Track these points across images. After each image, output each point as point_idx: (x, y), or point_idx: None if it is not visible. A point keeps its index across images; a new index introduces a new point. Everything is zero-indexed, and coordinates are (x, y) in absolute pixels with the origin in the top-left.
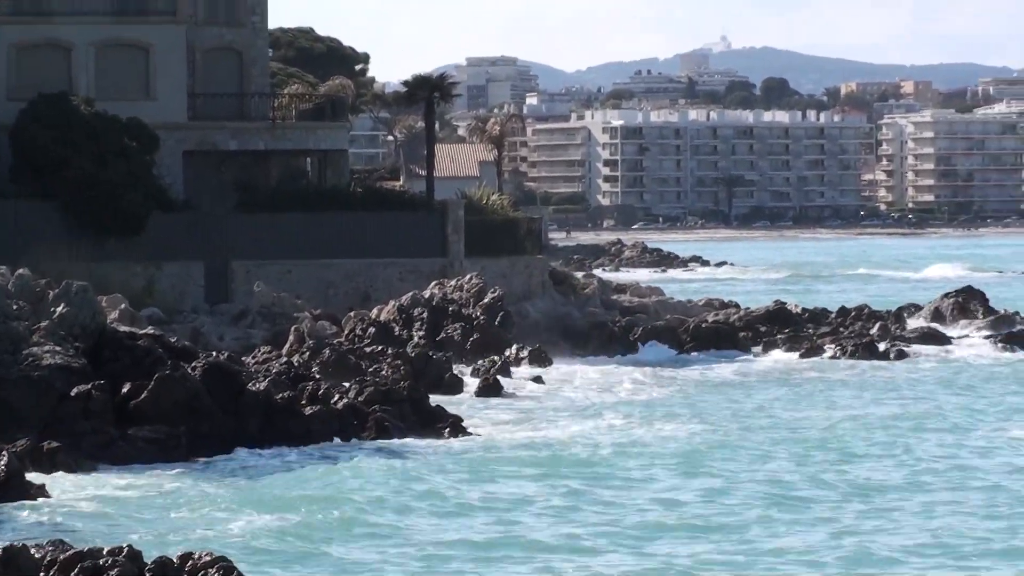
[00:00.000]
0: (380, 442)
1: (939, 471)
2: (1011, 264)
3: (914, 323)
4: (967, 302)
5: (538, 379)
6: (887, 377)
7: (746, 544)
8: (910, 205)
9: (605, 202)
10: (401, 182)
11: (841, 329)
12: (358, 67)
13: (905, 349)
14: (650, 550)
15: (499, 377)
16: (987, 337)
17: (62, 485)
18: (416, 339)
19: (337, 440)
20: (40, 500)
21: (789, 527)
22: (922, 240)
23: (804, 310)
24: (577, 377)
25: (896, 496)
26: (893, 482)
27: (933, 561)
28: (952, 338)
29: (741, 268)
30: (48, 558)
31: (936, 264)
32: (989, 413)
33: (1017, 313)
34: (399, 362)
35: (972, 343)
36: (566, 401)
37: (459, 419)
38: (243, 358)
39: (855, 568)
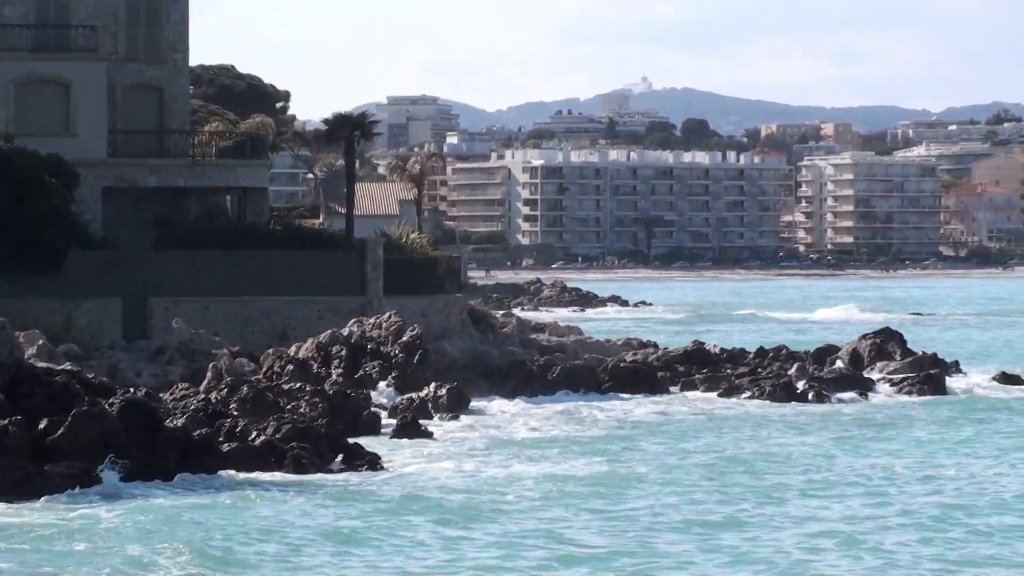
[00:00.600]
0: (295, 477)
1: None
2: (922, 306)
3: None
4: (885, 343)
5: (455, 417)
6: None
7: None
8: (829, 247)
9: (524, 241)
10: (321, 220)
11: (759, 370)
12: (279, 105)
13: (824, 392)
14: None
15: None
16: (903, 379)
17: None
18: (334, 377)
19: (257, 473)
20: None
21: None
22: (840, 281)
23: (722, 350)
24: (495, 416)
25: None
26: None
27: None
28: (869, 380)
29: (653, 308)
30: None
31: (825, 308)
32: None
33: (935, 355)
34: (317, 399)
35: (887, 384)
36: (483, 440)
37: (376, 456)
38: (161, 395)
39: None
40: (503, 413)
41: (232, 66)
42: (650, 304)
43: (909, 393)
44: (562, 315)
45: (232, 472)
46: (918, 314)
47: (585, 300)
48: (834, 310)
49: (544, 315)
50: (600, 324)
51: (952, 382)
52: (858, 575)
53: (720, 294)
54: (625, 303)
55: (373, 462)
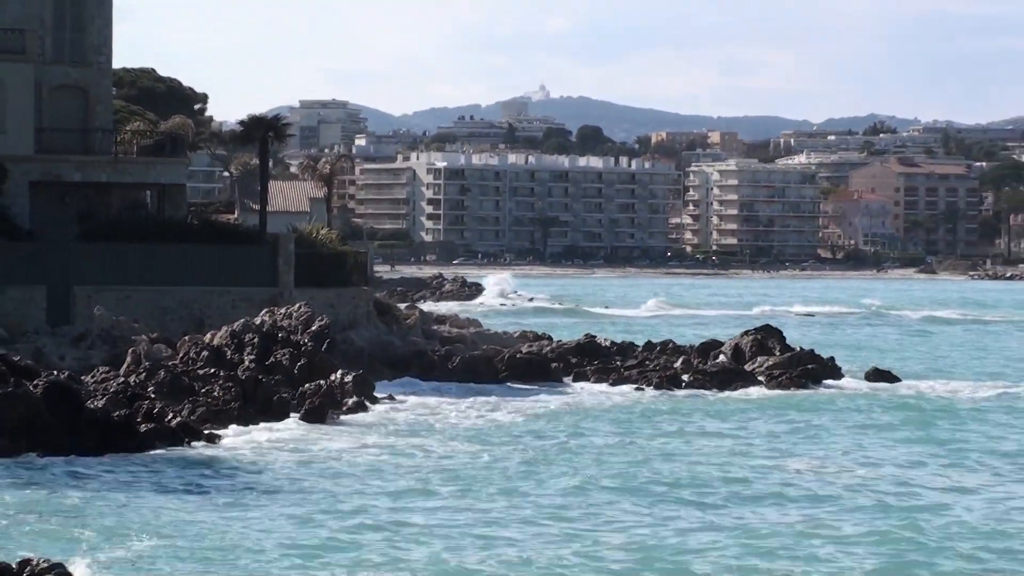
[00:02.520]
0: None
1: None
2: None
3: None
4: (765, 340)
5: (360, 404)
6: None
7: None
8: (714, 248)
9: (428, 238)
10: (236, 215)
11: (647, 362)
12: (197, 106)
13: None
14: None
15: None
16: (781, 373)
17: None
18: (247, 363)
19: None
20: None
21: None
22: (722, 280)
23: (612, 343)
24: (400, 403)
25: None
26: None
27: None
28: (751, 372)
29: (554, 300)
30: None
31: (650, 300)
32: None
33: (812, 351)
34: (230, 384)
35: (763, 378)
36: (386, 424)
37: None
38: (83, 377)
39: None
40: (406, 400)
41: (153, 69)
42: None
43: (786, 387)
44: (464, 308)
45: None
46: (809, 315)
47: (482, 293)
48: (652, 304)
49: (445, 307)
50: (491, 316)
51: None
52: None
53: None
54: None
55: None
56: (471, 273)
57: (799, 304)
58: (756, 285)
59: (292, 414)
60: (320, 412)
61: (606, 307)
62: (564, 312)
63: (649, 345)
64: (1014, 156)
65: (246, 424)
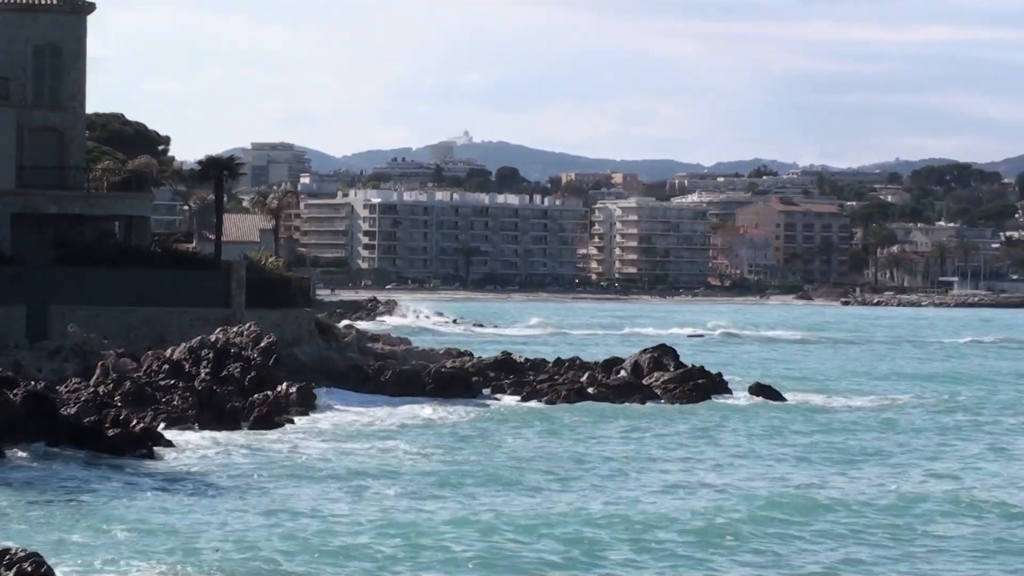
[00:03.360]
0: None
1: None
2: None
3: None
4: (661, 357)
5: (304, 412)
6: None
7: None
8: (617, 276)
9: (364, 266)
10: (194, 244)
11: (556, 376)
12: (160, 147)
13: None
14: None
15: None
16: (675, 387)
17: None
18: (203, 375)
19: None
20: None
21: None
22: (624, 304)
23: (527, 360)
24: (338, 411)
25: None
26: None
27: None
28: (648, 386)
29: (472, 323)
30: None
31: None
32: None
33: (702, 367)
34: (188, 394)
35: (659, 391)
36: (325, 430)
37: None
38: (57, 387)
39: None
40: (345, 410)
41: (122, 114)
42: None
43: (680, 400)
44: (399, 325)
45: None
46: (697, 335)
47: (412, 315)
48: (531, 321)
49: (379, 327)
50: (427, 336)
51: (715, 392)
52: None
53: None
54: (444, 316)
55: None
56: (402, 297)
57: (675, 327)
58: (637, 307)
59: (243, 421)
60: (267, 419)
61: (495, 326)
62: (467, 331)
63: (559, 361)
64: (880, 197)
65: (202, 429)
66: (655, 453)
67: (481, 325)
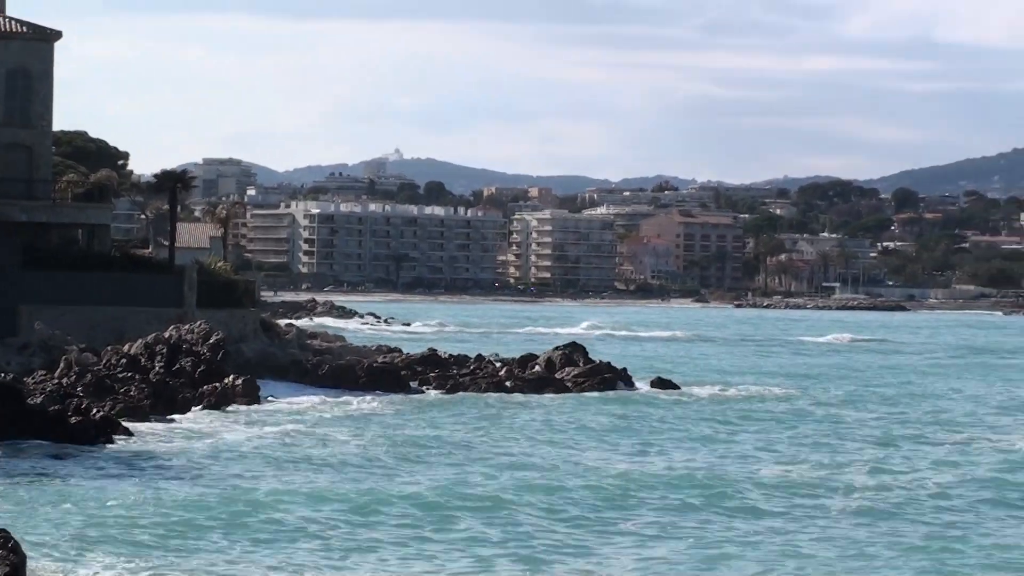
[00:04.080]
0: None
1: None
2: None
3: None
4: (572, 354)
5: (248, 402)
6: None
7: None
8: (532, 280)
9: (304, 270)
10: (150, 250)
11: (477, 371)
12: (120, 162)
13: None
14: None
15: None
16: (584, 380)
17: None
18: (157, 368)
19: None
20: None
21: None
22: (537, 307)
23: (451, 356)
24: (281, 402)
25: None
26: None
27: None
28: (560, 380)
29: (402, 322)
30: None
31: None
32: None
33: (609, 363)
34: (143, 385)
35: (570, 384)
36: (268, 418)
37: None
38: (25, 379)
39: None
40: (287, 400)
41: (85, 132)
42: (393, 319)
43: (589, 390)
44: (331, 325)
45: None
46: (611, 334)
47: (348, 315)
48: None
49: (318, 325)
50: (357, 334)
51: (620, 385)
52: None
53: (464, 316)
54: (378, 318)
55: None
56: (338, 299)
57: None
58: (546, 308)
59: (193, 409)
60: (215, 408)
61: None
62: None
63: (479, 357)
64: (770, 210)
65: (156, 418)
66: (522, 436)
67: (408, 323)
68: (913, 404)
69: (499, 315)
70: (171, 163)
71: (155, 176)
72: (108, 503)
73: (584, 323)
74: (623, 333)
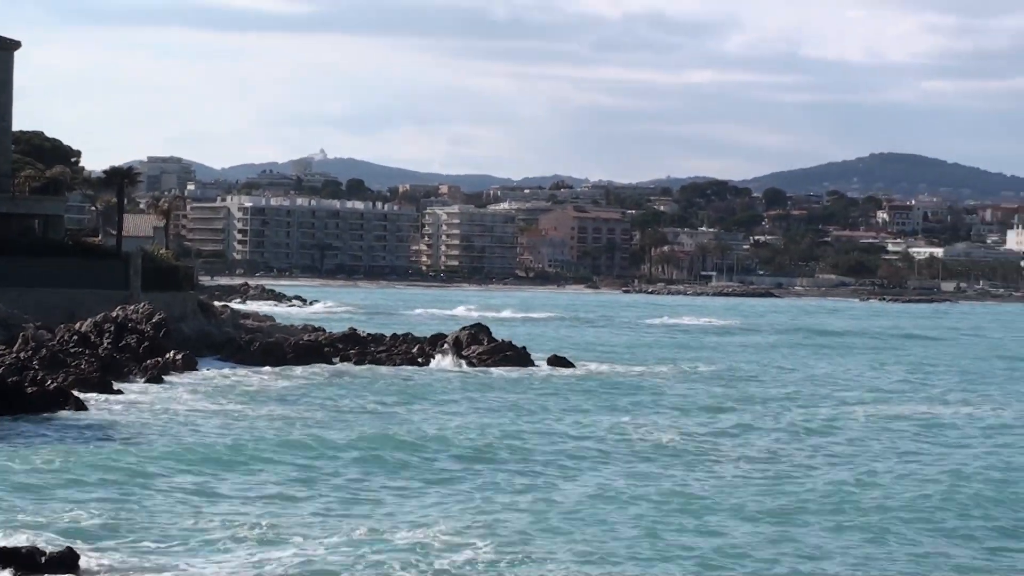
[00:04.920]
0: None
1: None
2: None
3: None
4: (478, 334)
5: (186, 374)
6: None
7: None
8: (442, 268)
9: (238, 257)
10: (99, 238)
11: (393, 348)
12: (73, 159)
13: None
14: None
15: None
16: (488, 357)
17: None
18: (105, 344)
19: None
20: None
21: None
22: (445, 291)
23: (369, 334)
24: (216, 375)
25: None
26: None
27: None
28: (468, 356)
29: (327, 305)
30: None
31: (324, 302)
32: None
33: (510, 342)
34: (93, 359)
35: (476, 360)
36: (203, 389)
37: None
38: None
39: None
40: (220, 373)
41: (42, 132)
42: (317, 301)
43: (494, 365)
44: (262, 307)
45: None
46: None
47: (278, 298)
48: (328, 304)
49: (250, 307)
50: (285, 315)
51: (520, 363)
52: None
53: (381, 298)
54: (304, 300)
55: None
56: (268, 283)
57: (461, 308)
58: (453, 293)
59: (138, 380)
60: (157, 380)
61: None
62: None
63: (395, 336)
64: (654, 207)
65: (103, 389)
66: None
67: (317, 300)
68: (733, 379)
69: (410, 298)
70: (119, 161)
71: (104, 172)
72: (55, 461)
73: (461, 307)
74: (506, 314)
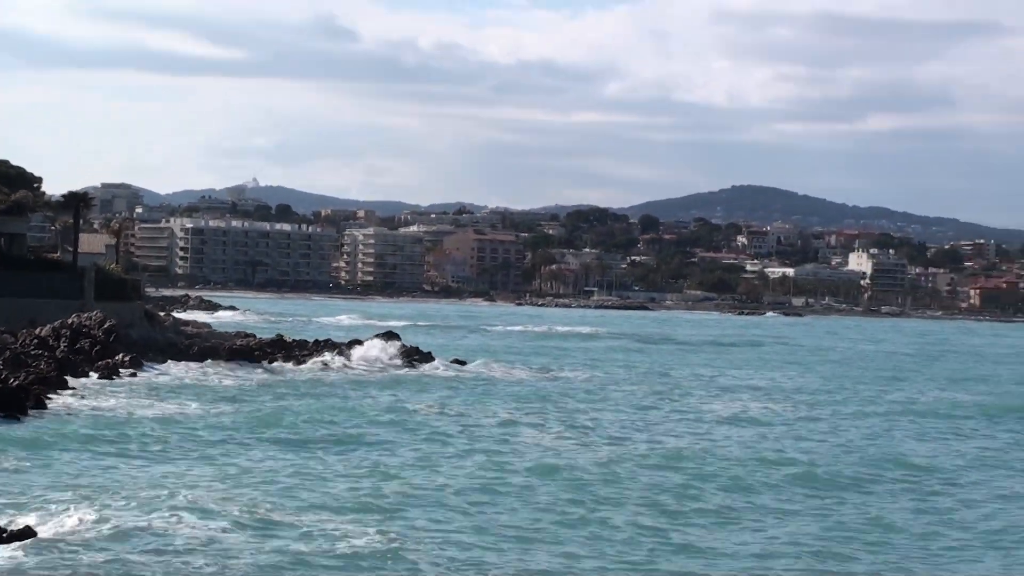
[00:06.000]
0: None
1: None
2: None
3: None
4: (389, 339)
5: (134, 374)
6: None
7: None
8: (359, 282)
9: (180, 272)
10: (58, 255)
11: (314, 352)
12: (35, 185)
13: (348, 363)
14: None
15: (111, 373)
16: (404, 361)
17: None
18: (62, 347)
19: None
20: None
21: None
22: (357, 303)
23: (294, 340)
24: (159, 373)
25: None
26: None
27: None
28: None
29: (256, 313)
30: None
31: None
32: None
33: (417, 347)
34: (51, 361)
35: (393, 364)
36: (149, 386)
37: (80, 395)
38: None
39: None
40: (165, 373)
41: (7, 160)
42: (249, 310)
43: (402, 368)
44: (201, 316)
45: None
46: (417, 325)
47: (215, 307)
48: (341, 318)
49: (190, 316)
50: (220, 322)
51: (426, 363)
52: None
53: (298, 309)
54: (236, 309)
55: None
56: (206, 294)
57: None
58: (368, 304)
59: (91, 376)
60: (107, 378)
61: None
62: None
63: (316, 342)
64: (544, 230)
65: (60, 386)
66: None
67: (249, 310)
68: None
69: (319, 308)
70: (75, 186)
71: (63, 196)
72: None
73: (343, 315)
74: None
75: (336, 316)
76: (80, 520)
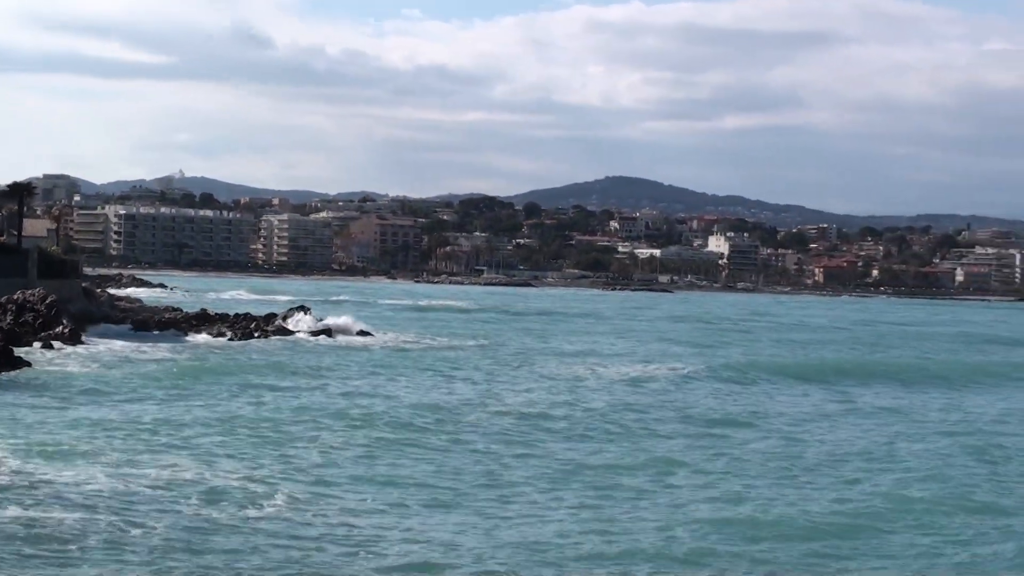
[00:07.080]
0: None
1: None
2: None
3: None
4: (302, 310)
5: (73, 344)
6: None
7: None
8: (275, 262)
9: (114, 253)
10: (3, 238)
11: (235, 324)
12: None
13: (270, 336)
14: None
15: (53, 342)
16: (309, 332)
17: None
18: (8, 320)
19: None
20: None
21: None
22: (279, 281)
23: (217, 313)
24: (95, 343)
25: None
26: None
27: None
28: (291, 330)
29: (184, 291)
30: None
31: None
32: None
33: (324, 319)
34: (1, 331)
35: (301, 336)
36: (88, 356)
37: (28, 363)
38: None
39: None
40: (102, 345)
41: None
42: (177, 288)
43: (313, 337)
44: (134, 292)
45: None
46: (332, 301)
47: (146, 284)
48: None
49: (124, 292)
50: (150, 298)
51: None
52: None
53: (220, 285)
54: (165, 287)
55: (26, 364)
56: (139, 273)
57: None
58: (281, 282)
59: (34, 345)
60: (49, 348)
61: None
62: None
63: (237, 315)
64: (439, 216)
65: (5, 356)
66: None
67: (187, 290)
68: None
69: (249, 285)
70: (19, 177)
71: (7, 186)
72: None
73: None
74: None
75: (231, 292)
76: None
